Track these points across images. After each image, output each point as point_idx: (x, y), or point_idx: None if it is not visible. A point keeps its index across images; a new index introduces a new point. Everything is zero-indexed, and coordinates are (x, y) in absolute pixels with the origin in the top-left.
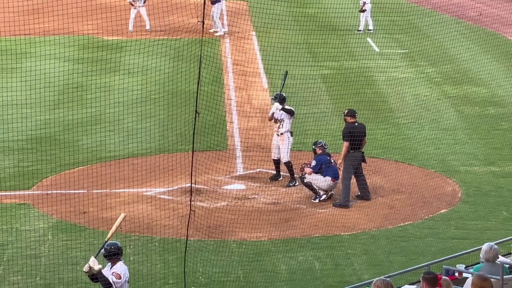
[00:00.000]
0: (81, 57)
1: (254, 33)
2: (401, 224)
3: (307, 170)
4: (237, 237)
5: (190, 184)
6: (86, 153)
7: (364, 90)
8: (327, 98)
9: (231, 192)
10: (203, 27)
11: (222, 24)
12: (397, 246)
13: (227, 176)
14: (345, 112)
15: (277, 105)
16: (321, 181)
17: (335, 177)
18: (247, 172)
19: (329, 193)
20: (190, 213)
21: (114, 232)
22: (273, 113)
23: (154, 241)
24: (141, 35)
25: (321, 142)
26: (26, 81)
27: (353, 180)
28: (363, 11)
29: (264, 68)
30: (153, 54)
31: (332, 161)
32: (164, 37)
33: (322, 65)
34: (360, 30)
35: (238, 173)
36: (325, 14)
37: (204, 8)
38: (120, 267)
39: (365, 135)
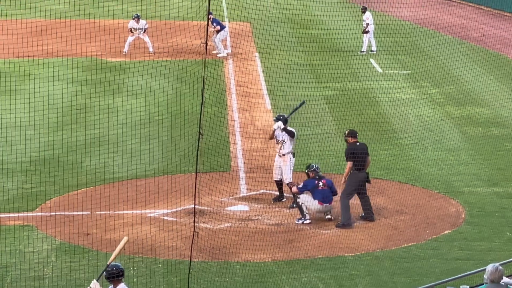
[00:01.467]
0: (85, 79)
1: (257, 54)
2: (405, 245)
3: (294, 188)
4: (240, 259)
5: (193, 206)
6: (90, 175)
7: (368, 111)
8: (330, 119)
9: (235, 213)
10: (206, 49)
11: (225, 46)
12: (401, 267)
13: (230, 197)
14: (346, 132)
15: (279, 123)
16: (310, 202)
17: (323, 200)
18: (251, 193)
19: (331, 215)
20: (193, 234)
21: (116, 255)
22: (274, 131)
23: (158, 263)
24: (144, 56)
25: (313, 166)
26: (29, 102)
27: (357, 201)
28: (366, 32)
29: (267, 89)
30: (156, 76)
31: (321, 184)
32: (168, 59)
33: (325, 86)
34: (363, 51)
35: (241, 194)
36: (328, 35)
37: (207, 29)
38: None
39: (368, 155)
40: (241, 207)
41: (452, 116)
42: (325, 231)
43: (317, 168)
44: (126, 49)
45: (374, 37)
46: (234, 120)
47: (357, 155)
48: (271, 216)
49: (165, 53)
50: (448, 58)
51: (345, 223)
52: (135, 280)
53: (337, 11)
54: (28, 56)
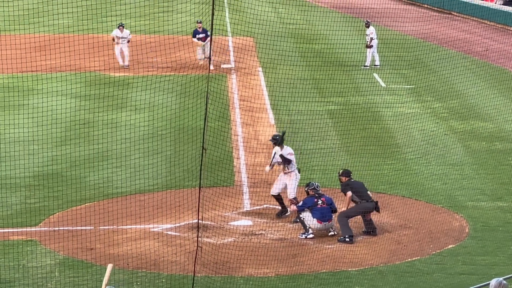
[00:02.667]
0: (88, 94)
1: (260, 69)
2: (409, 259)
3: (293, 207)
4: (244, 273)
5: (197, 220)
6: (93, 190)
7: (371, 126)
8: (334, 133)
9: (238, 228)
10: (209, 63)
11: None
12: (405, 282)
13: (234, 212)
14: (340, 172)
15: (276, 149)
16: (310, 220)
17: (322, 219)
18: (254, 208)
19: (334, 230)
20: (197, 249)
21: (106, 284)
22: (273, 163)
23: (161, 277)
24: (148, 71)
25: (313, 184)
26: (33, 117)
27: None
28: (370, 46)
29: (270, 104)
30: (160, 90)
31: (320, 202)
32: (171, 73)
33: (328, 100)
34: (367, 66)
35: (245, 209)
36: (332, 50)
37: (211, 44)
38: None
39: (367, 190)
40: (245, 222)
41: (456, 131)
42: (329, 245)
43: (317, 186)
44: (122, 62)
45: (377, 52)
46: (237, 135)
47: (355, 188)
48: (274, 230)
49: (169, 67)
50: (451, 72)
51: (345, 237)
52: None
53: (340, 26)
54: (32, 71)
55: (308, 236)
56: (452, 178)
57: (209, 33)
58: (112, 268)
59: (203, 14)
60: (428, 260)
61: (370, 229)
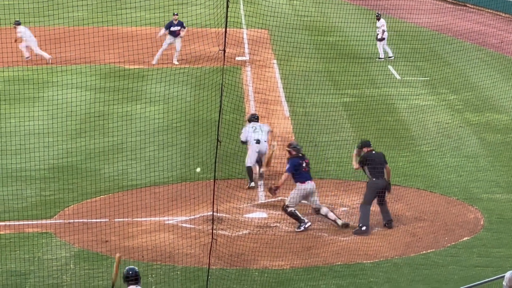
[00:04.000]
0: (103, 86)
1: (275, 61)
2: (424, 252)
3: (284, 176)
4: (259, 266)
5: (212, 213)
6: (108, 182)
7: (386, 118)
8: (348, 126)
9: (253, 220)
10: (224, 56)
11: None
12: (420, 274)
13: (248, 204)
14: (359, 144)
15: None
16: (295, 194)
17: (303, 180)
18: (269, 200)
19: (344, 221)
20: (212, 241)
21: (116, 273)
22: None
23: (176, 270)
24: (163, 64)
25: (293, 143)
26: (48, 110)
27: (376, 208)
28: (382, 39)
29: (285, 96)
30: (174, 83)
31: (304, 164)
32: (186, 66)
33: (343, 93)
34: (381, 59)
35: (259, 201)
36: (346, 42)
37: (225, 36)
38: None
39: (386, 163)
40: (259, 214)
41: (471, 123)
42: (344, 238)
43: (297, 144)
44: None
45: (387, 44)
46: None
47: (371, 162)
48: (289, 223)
49: (183, 60)
50: (466, 64)
51: (362, 230)
52: (153, 287)
53: (355, 18)
54: (47, 64)
55: (306, 226)
56: (467, 170)
57: (185, 26)
58: (119, 257)
59: (217, 7)
60: (443, 253)
61: (387, 220)
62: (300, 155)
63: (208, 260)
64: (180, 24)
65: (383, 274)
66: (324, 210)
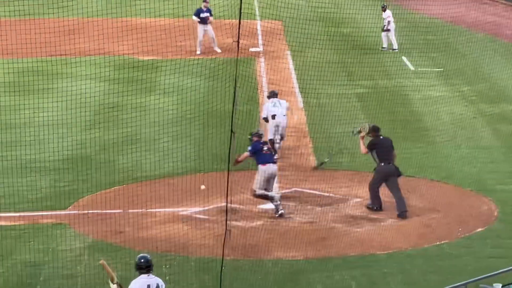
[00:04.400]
0: (117, 77)
1: (289, 52)
2: (437, 243)
3: (244, 154)
4: (273, 257)
5: (226, 204)
6: (122, 173)
7: (399, 109)
8: (362, 116)
9: (267, 211)
10: (238, 47)
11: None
12: (434, 265)
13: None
14: (367, 131)
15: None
16: (258, 178)
17: (265, 162)
18: (283, 191)
19: (283, 211)
20: (226, 232)
21: (110, 272)
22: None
23: (190, 261)
24: (176, 55)
25: (257, 131)
26: (61, 101)
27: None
28: (388, 30)
29: (299, 87)
30: (188, 74)
31: (265, 148)
32: (200, 57)
33: (357, 84)
34: (385, 48)
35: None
36: (360, 33)
37: (239, 28)
38: (133, 283)
39: (393, 148)
40: (273, 205)
41: (485, 114)
42: (357, 229)
43: (259, 130)
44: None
45: (395, 35)
46: None
47: (380, 148)
48: (303, 214)
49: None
50: (480, 55)
51: (375, 206)
52: (167, 278)
53: (369, 9)
54: (61, 55)
55: (281, 212)
56: (481, 162)
57: (212, 14)
58: (103, 263)
59: None
60: (457, 244)
61: (401, 211)
62: (262, 141)
63: (222, 251)
64: (209, 11)
65: (397, 265)
66: (274, 195)
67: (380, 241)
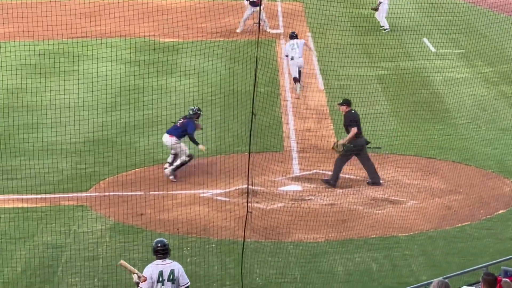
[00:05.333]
0: (137, 60)
1: (309, 34)
2: (459, 225)
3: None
4: (293, 239)
5: (247, 186)
6: (143, 155)
7: (421, 91)
8: (383, 98)
9: (288, 193)
10: (259, 29)
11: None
12: (455, 247)
13: (283, 177)
14: (341, 101)
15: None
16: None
17: (169, 133)
18: (304, 173)
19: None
20: (247, 214)
21: (131, 269)
22: None
23: (211, 243)
24: (197, 37)
25: (193, 108)
26: (82, 83)
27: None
28: (376, 9)
29: (320, 69)
30: (209, 56)
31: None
32: (220, 39)
33: (378, 65)
34: (387, 29)
35: (294, 174)
36: None
37: (260, 10)
38: (146, 269)
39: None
40: (294, 187)
41: (507, 95)
42: (378, 211)
43: (191, 110)
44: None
45: (386, 17)
46: (286, 100)
47: (358, 121)
48: (324, 196)
49: (218, 33)
50: (502, 36)
51: (375, 181)
52: (188, 260)
53: None
54: (82, 37)
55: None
56: (503, 143)
57: None
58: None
59: None
60: (478, 226)
61: (374, 180)
62: (188, 116)
63: (243, 233)
64: None
65: (418, 247)
66: (180, 159)
67: (401, 223)
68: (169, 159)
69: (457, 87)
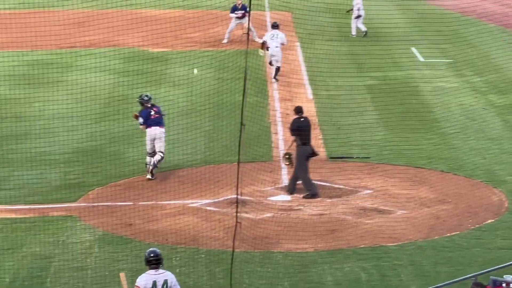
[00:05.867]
0: (127, 69)
1: (298, 43)
2: (448, 234)
3: (141, 128)
4: (283, 249)
5: (236, 196)
6: (132, 165)
7: (409, 100)
8: (372, 108)
9: (277, 203)
10: (248, 39)
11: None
12: (444, 257)
13: (272, 187)
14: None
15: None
16: (146, 141)
17: (149, 126)
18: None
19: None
20: (236, 224)
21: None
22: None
23: (200, 253)
24: (186, 46)
25: (141, 96)
26: (72, 93)
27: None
28: (358, 17)
29: (308, 79)
30: (198, 66)
31: (153, 112)
32: (210, 49)
33: (366, 75)
34: (353, 35)
35: (283, 184)
36: (370, 24)
37: (249, 20)
38: (139, 278)
39: (310, 129)
40: (283, 197)
41: (495, 105)
42: (368, 220)
43: (145, 96)
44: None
45: (355, 22)
46: (275, 110)
47: (302, 129)
48: (312, 206)
49: (207, 43)
50: (490, 46)
51: (312, 193)
52: (177, 270)
53: (379, 1)
54: (71, 47)
55: (149, 175)
56: (491, 153)
57: (247, 10)
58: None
59: None
60: (467, 235)
61: (313, 191)
62: (149, 105)
63: (232, 243)
64: (244, 8)
65: (407, 256)
66: (156, 156)
67: (390, 232)
68: (158, 158)
69: (445, 96)
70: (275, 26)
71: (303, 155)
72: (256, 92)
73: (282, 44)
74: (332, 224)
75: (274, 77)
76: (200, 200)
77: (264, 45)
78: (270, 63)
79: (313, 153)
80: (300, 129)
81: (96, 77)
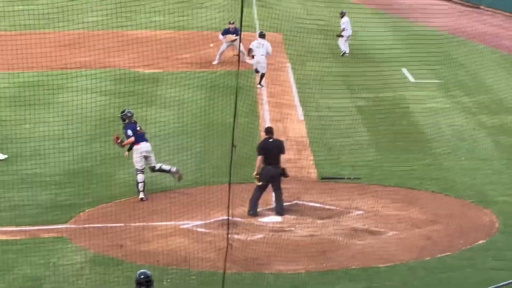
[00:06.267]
0: (117, 91)
1: (289, 64)
2: (439, 255)
3: (130, 140)
4: (274, 270)
5: (227, 217)
6: (123, 187)
7: (400, 121)
8: (363, 129)
9: (268, 224)
10: (239, 60)
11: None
12: (435, 278)
13: (263, 208)
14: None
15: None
16: (136, 158)
17: (138, 142)
18: (284, 204)
19: (176, 168)
20: (227, 246)
21: None
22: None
23: (191, 274)
24: (177, 67)
25: (124, 110)
26: (62, 115)
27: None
28: (341, 36)
29: (299, 100)
30: (189, 87)
31: (139, 128)
32: (201, 70)
33: (357, 96)
34: (347, 54)
35: (274, 205)
36: (361, 45)
37: (240, 41)
38: None
39: (282, 152)
40: (274, 218)
41: (485, 126)
42: (359, 241)
43: (128, 112)
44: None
45: (346, 42)
46: None
47: (267, 150)
48: (304, 227)
49: (198, 64)
50: (481, 67)
51: (250, 212)
52: None
53: (369, 22)
54: (61, 68)
55: (179, 174)
56: (482, 173)
57: (239, 33)
58: None
59: (232, 10)
60: (459, 256)
61: (278, 209)
62: (133, 120)
63: (223, 264)
64: (236, 31)
65: (399, 277)
66: (157, 165)
67: (381, 253)
68: (166, 167)
69: (436, 117)
70: (262, 35)
71: (266, 175)
72: (246, 113)
73: (267, 53)
74: (323, 245)
75: (259, 83)
76: (191, 221)
77: (250, 52)
78: (256, 71)
79: (282, 174)
80: (267, 150)
81: (87, 99)
